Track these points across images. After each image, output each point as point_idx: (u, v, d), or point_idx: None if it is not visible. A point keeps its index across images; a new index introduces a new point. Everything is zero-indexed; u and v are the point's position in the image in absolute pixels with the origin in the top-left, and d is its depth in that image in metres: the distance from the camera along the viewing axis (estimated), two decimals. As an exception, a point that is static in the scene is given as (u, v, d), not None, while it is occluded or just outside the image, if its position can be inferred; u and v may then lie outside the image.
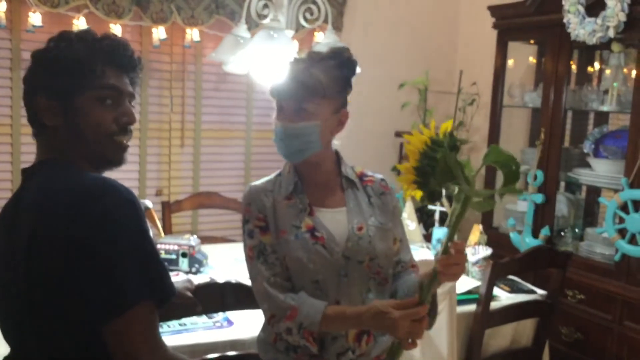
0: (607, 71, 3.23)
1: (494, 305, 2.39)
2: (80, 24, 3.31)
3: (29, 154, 3.37)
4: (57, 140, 1.24)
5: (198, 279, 1.76)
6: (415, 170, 1.33)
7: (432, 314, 1.58)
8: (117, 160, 1.28)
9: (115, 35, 1.30)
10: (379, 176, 1.75)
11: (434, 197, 1.37)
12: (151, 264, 1.15)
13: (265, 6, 2.72)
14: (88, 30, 1.27)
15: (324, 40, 2.84)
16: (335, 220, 1.62)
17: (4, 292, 1.26)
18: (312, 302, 1.53)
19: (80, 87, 1.22)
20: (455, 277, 1.46)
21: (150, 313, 1.14)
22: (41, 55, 1.24)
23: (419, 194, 1.36)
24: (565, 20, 3.08)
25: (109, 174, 1.28)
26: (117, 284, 1.10)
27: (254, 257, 1.59)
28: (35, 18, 3.22)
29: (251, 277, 1.61)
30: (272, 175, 1.68)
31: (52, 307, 1.14)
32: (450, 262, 1.42)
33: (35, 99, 1.23)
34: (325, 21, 2.82)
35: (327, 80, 1.56)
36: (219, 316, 2.18)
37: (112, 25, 3.39)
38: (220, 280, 1.89)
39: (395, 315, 1.43)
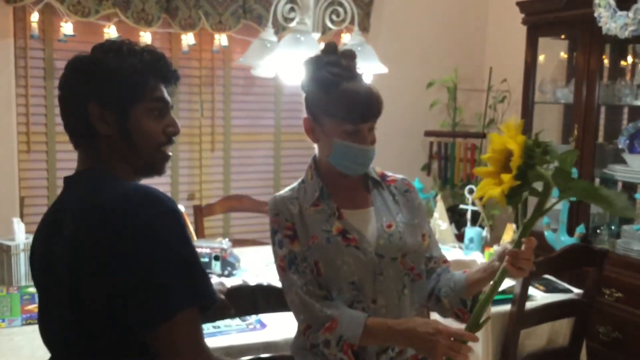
0: (641, 65, 3.17)
1: (529, 305, 2.36)
2: (111, 32, 3.37)
3: (64, 161, 3.44)
4: (104, 149, 1.26)
5: (230, 282, 1.77)
6: (516, 179, 1.29)
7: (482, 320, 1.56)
8: (161, 169, 1.31)
9: (154, 47, 1.32)
10: (400, 176, 1.75)
11: (518, 201, 1.35)
12: (193, 272, 1.16)
13: (292, 9, 2.73)
14: (131, 42, 1.29)
15: (350, 41, 2.84)
16: (364, 221, 1.62)
17: (45, 300, 1.28)
18: (352, 314, 1.52)
19: (135, 99, 1.24)
20: (523, 272, 1.44)
21: (193, 319, 1.16)
22: (90, 64, 1.25)
23: (501, 197, 1.32)
24: (596, 15, 3.03)
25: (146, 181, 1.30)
26: (161, 292, 1.12)
27: (285, 267, 1.58)
28: (67, 28, 3.29)
29: (284, 289, 1.60)
30: (296, 184, 1.68)
31: (95, 316, 1.16)
32: (521, 256, 1.41)
33: (86, 107, 1.23)
34: (352, 22, 2.82)
35: None
36: (252, 318, 2.19)
37: (141, 33, 3.44)
38: (253, 282, 1.90)
39: (439, 326, 1.43)
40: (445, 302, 1.65)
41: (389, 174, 1.75)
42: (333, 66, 1.56)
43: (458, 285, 1.62)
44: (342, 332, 1.49)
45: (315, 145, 1.65)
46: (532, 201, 1.40)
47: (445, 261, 1.74)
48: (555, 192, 1.34)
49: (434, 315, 1.73)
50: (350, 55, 1.60)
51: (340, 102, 1.53)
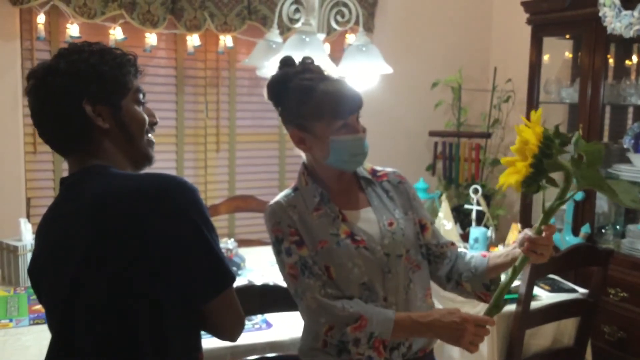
0: (646, 64, 3.16)
1: (534, 304, 2.36)
2: (116, 33, 3.38)
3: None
4: (104, 145, 1.28)
5: (236, 282, 1.78)
6: (531, 167, 1.35)
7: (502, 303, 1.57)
8: (152, 156, 1.37)
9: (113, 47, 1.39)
10: (390, 169, 1.78)
11: (537, 189, 1.40)
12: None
13: (297, 10, 2.73)
14: (91, 43, 1.32)
15: (355, 42, 2.84)
16: (366, 221, 1.64)
17: (55, 301, 1.25)
18: (380, 311, 1.55)
19: (123, 92, 1.30)
20: (542, 258, 1.50)
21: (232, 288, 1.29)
22: (76, 67, 1.26)
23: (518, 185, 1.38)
24: (600, 14, 3.03)
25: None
26: (220, 261, 1.23)
27: (297, 274, 1.57)
28: (73, 29, 3.31)
29: (298, 295, 1.58)
30: (289, 191, 1.66)
31: (139, 303, 1.18)
32: (539, 242, 1.47)
33: (82, 107, 1.25)
34: (357, 23, 2.82)
35: None
36: (258, 318, 2.20)
37: (147, 34, 3.45)
38: (258, 282, 1.91)
39: (463, 315, 1.51)
40: (467, 286, 1.71)
41: (379, 168, 1.78)
42: (304, 73, 1.62)
43: (480, 269, 1.68)
44: (373, 329, 1.52)
45: (303, 154, 1.68)
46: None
47: (453, 244, 1.78)
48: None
49: (440, 300, 1.74)
50: (312, 60, 1.67)
51: (325, 103, 1.58)
